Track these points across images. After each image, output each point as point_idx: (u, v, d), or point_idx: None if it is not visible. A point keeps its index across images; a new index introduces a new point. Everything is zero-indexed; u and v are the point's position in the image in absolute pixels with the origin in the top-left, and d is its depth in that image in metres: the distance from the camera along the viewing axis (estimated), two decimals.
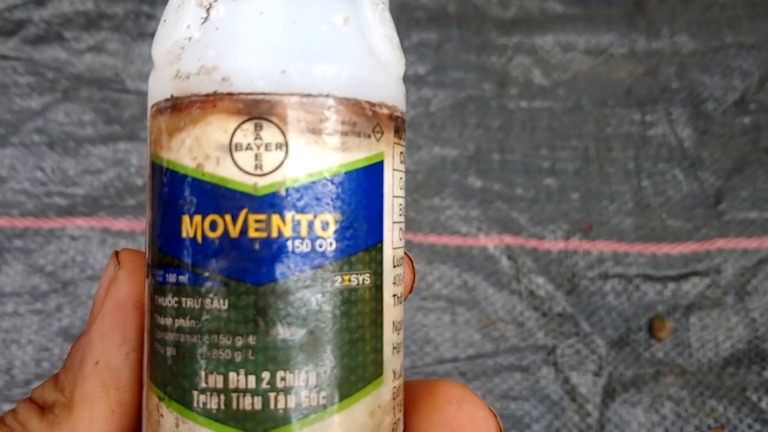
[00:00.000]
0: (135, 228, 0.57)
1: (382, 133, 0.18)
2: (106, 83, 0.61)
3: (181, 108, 0.17)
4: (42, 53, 0.61)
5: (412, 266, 0.21)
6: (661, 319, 0.56)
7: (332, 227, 0.17)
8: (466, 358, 0.55)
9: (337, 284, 0.17)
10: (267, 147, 0.17)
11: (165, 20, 0.19)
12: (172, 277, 0.17)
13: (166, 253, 0.18)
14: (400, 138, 0.19)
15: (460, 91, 0.63)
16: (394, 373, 0.19)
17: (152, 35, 0.63)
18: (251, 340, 0.17)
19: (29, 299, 0.55)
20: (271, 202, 0.17)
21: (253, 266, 0.17)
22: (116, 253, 0.20)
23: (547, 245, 0.58)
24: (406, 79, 0.68)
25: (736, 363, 0.55)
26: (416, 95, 0.63)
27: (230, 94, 0.17)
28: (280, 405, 0.17)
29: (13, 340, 0.54)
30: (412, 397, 0.20)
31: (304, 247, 0.17)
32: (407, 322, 0.56)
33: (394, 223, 0.19)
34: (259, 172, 0.17)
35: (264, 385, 0.17)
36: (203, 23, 0.18)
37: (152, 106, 0.18)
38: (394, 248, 0.19)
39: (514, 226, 0.59)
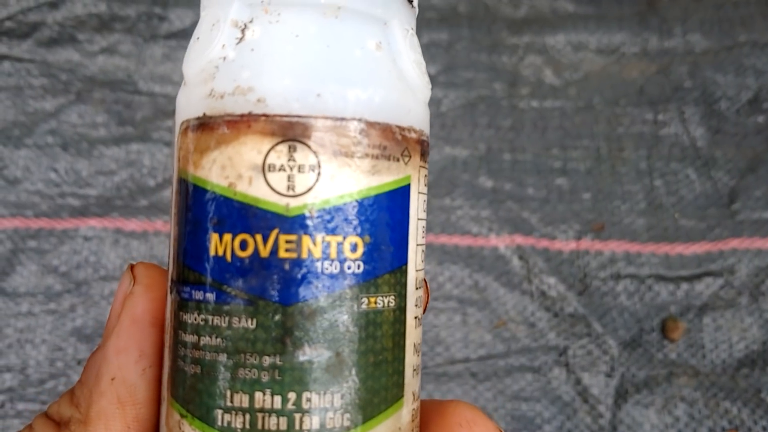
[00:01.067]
0: (147, 228, 0.57)
1: (410, 156, 0.19)
2: (119, 85, 0.62)
3: (214, 127, 0.17)
4: (55, 55, 0.62)
5: (427, 288, 0.21)
6: (674, 320, 0.56)
7: (360, 249, 0.17)
8: (477, 358, 0.55)
9: (364, 306, 0.17)
10: (300, 169, 0.17)
11: (198, 38, 0.19)
12: (198, 294, 0.17)
13: (193, 270, 0.18)
14: (425, 161, 0.20)
15: (471, 91, 0.63)
16: (414, 395, 0.19)
17: (164, 37, 0.63)
18: (278, 360, 0.17)
19: (43, 299, 0.55)
20: (302, 223, 0.17)
21: (282, 286, 0.17)
22: (131, 267, 0.20)
23: (559, 245, 0.58)
24: None
25: (750, 364, 0.54)
26: None
27: (265, 116, 0.17)
28: (306, 426, 0.17)
29: (27, 339, 0.55)
30: (424, 419, 0.20)
31: (333, 269, 0.17)
32: None
33: (417, 245, 0.19)
34: (291, 193, 0.17)
35: (290, 406, 0.17)
36: (238, 43, 0.18)
37: (182, 123, 0.18)
38: (417, 270, 0.19)
39: (525, 226, 0.59)
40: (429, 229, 0.58)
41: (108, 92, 0.61)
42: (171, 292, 0.18)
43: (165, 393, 0.18)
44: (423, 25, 0.65)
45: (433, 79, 0.63)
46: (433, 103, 0.62)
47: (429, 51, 0.64)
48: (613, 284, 0.57)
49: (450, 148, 0.61)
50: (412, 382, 0.19)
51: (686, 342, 0.55)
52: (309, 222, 0.17)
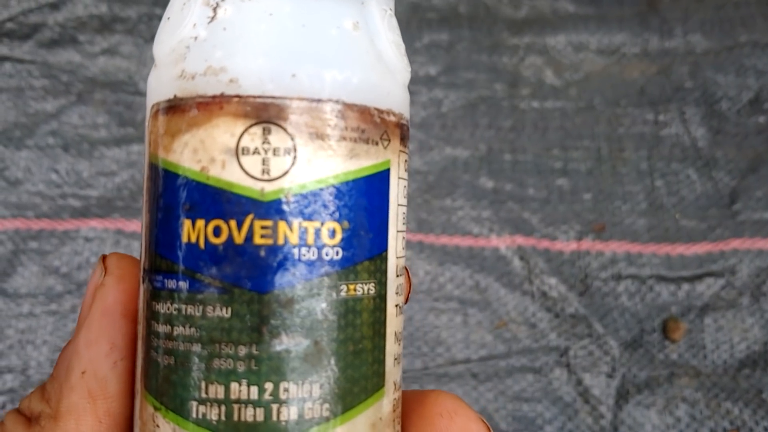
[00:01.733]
0: None
1: (389, 140, 0.18)
2: (120, 86, 0.62)
3: (185, 109, 0.17)
4: (56, 56, 0.62)
5: (409, 276, 0.20)
6: (675, 321, 0.56)
7: (339, 235, 0.17)
8: (478, 359, 0.55)
9: (343, 293, 0.17)
10: (275, 152, 0.16)
11: (168, 18, 0.18)
12: (171, 283, 0.17)
13: (165, 258, 0.17)
14: (405, 146, 0.19)
15: (472, 91, 0.63)
16: (395, 385, 0.18)
17: None
18: (254, 349, 0.16)
19: (44, 300, 0.56)
20: (278, 208, 0.16)
21: (258, 273, 0.16)
22: (103, 258, 0.19)
23: (560, 246, 0.58)
24: (418, 80, 0.68)
25: (751, 365, 0.54)
26: (427, 96, 0.62)
27: (238, 97, 0.16)
28: (283, 417, 0.16)
29: (28, 340, 0.55)
30: (405, 409, 0.20)
31: (311, 255, 0.16)
32: (419, 323, 0.56)
33: (398, 232, 0.18)
34: (266, 177, 0.16)
35: (267, 396, 0.16)
36: (210, 22, 0.17)
37: (152, 106, 0.18)
38: (397, 257, 0.19)
39: (526, 227, 0.59)
40: (430, 229, 0.58)
41: (109, 93, 0.61)
42: (143, 282, 0.18)
43: (138, 386, 0.18)
44: (423, 26, 0.65)
45: (433, 79, 0.63)
46: (434, 103, 0.62)
47: (429, 52, 0.64)
48: (614, 285, 0.57)
49: (451, 148, 0.61)
50: (393, 371, 0.18)
51: (687, 342, 0.55)
52: (285, 207, 0.16)
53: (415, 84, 0.62)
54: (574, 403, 0.54)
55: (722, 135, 0.61)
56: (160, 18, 0.68)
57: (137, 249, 0.57)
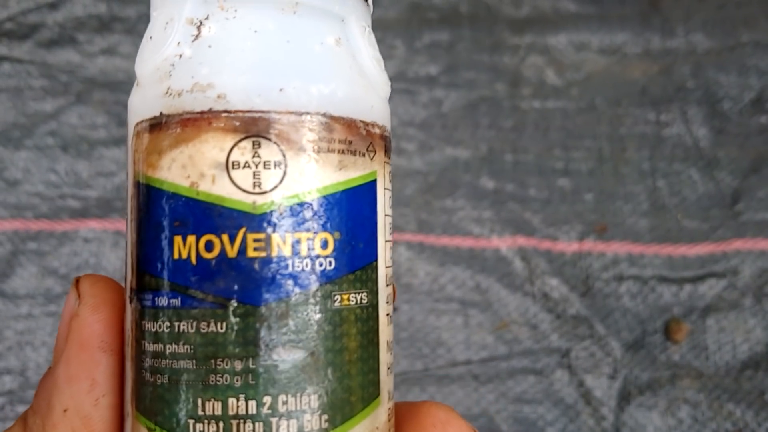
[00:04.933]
0: None
1: (375, 152, 0.18)
2: (119, 86, 0.61)
3: (172, 126, 0.17)
4: (55, 56, 0.62)
5: (394, 285, 0.20)
6: (678, 322, 0.55)
7: (331, 246, 0.17)
8: (479, 360, 0.55)
9: (337, 303, 0.17)
10: (266, 165, 0.16)
11: (150, 37, 0.18)
12: (162, 301, 0.17)
13: (155, 275, 0.17)
14: (389, 157, 0.19)
15: (473, 91, 0.63)
16: (389, 394, 0.19)
17: None
18: (251, 363, 0.16)
19: (43, 301, 0.55)
20: (270, 221, 0.16)
21: (252, 286, 0.16)
22: (76, 282, 0.19)
23: (561, 246, 0.58)
24: (418, 80, 0.68)
25: (754, 366, 0.54)
26: (428, 96, 0.62)
27: (227, 112, 0.17)
28: (283, 430, 0.16)
29: (27, 342, 0.54)
30: (398, 420, 0.20)
31: (305, 266, 0.17)
32: (420, 324, 0.56)
33: (386, 241, 0.19)
34: (257, 190, 0.16)
35: (265, 410, 0.16)
36: (194, 40, 0.17)
37: (136, 125, 0.18)
38: (386, 267, 0.19)
39: (527, 228, 0.58)
40: (430, 230, 0.58)
41: (108, 93, 0.61)
42: (131, 302, 0.18)
43: (129, 408, 0.18)
44: (424, 26, 0.64)
45: (434, 79, 0.63)
46: (434, 103, 0.62)
47: (430, 51, 0.64)
48: (615, 285, 0.57)
49: (451, 148, 0.61)
50: (386, 380, 0.18)
51: (689, 344, 0.55)
52: (277, 219, 0.16)
53: (416, 84, 0.62)
54: (575, 405, 0.54)
55: (724, 135, 0.61)
56: None
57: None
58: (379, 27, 0.63)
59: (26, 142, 0.59)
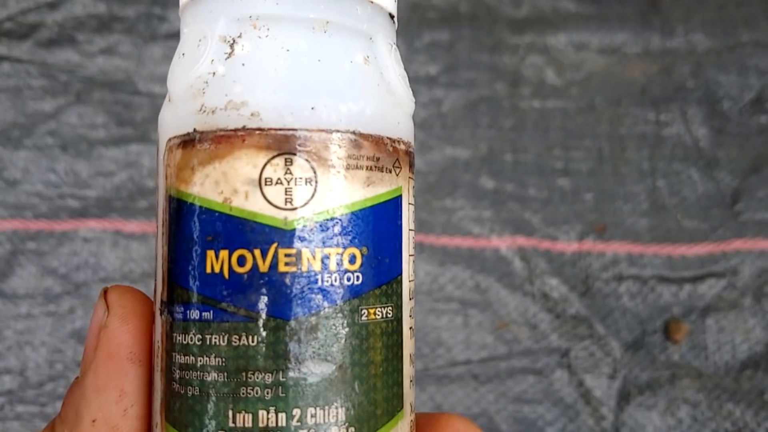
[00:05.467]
0: (147, 230, 0.57)
1: (401, 168, 0.19)
2: (118, 85, 0.61)
3: (206, 142, 0.17)
4: (55, 56, 0.62)
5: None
6: (677, 321, 0.55)
7: (359, 260, 0.17)
8: (478, 360, 0.55)
9: (364, 317, 0.17)
10: (297, 182, 0.17)
11: (183, 54, 0.19)
12: (194, 314, 0.17)
13: (187, 288, 0.17)
14: (413, 173, 0.20)
15: (472, 91, 0.63)
16: (411, 407, 0.19)
17: (164, 37, 0.63)
18: (281, 376, 0.16)
19: (42, 301, 0.55)
20: (301, 236, 0.17)
21: (282, 301, 0.16)
22: (104, 293, 0.19)
23: (561, 246, 0.58)
24: (418, 79, 0.67)
25: (753, 366, 0.54)
26: (428, 96, 0.62)
27: (260, 129, 0.17)
28: None
29: (26, 341, 0.54)
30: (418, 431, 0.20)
31: (334, 281, 0.17)
32: (419, 324, 0.56)
33: (410, 255, 0.19)
34: (289, 206, 0.17)
35: (294, 423, 0.16)
36: (228, 58, 0.18)
37: (168, 140, 0.18)
38: (410, 281, 0.19)
39: (527, 227, 0.58)
40: (430, 230, 0.58)
41: (107, 93, 0.61)
42: (161, 314, 0.18)
43: (158, 419, 0.18)
44: (424, 25, 0.64)
45: (434, 79, 0.63)
46: (434, 103, 0.62)
47: (430, 51, 0.64)
48: (615, 285, 0.57)
49: (451, 148, 0.61)
50: (409, 393, 0.19)
51: (689, 343, 0.55)
52: (307, 235, 0.17)
53: (416, 84, 0.62)
54: (575, 405, 0.54)
55: (724, 135, 0.61)
56: (159, 17, 0.68)
57: (135, 250, 0.57)
58: None
59: (26, 141, 0.59)
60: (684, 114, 0.62)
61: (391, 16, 0.20)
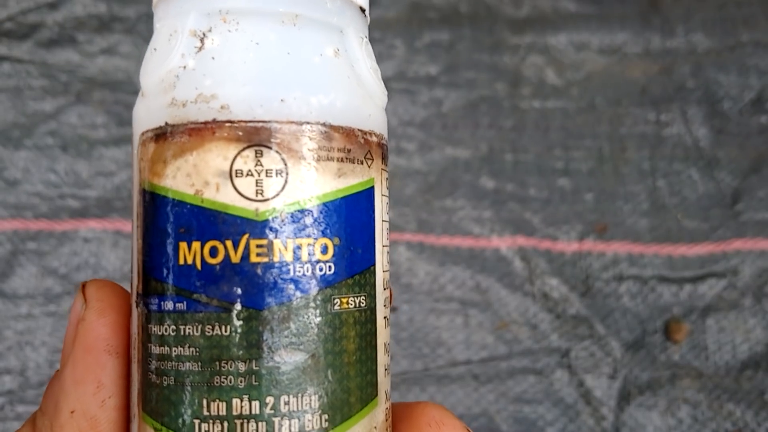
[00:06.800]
0: None
1: (373, 159, 0.19)
2: (119, 86, 0.61)
3: (177, 135, 0.17)
4: (55, 56, 0.62)
5: (390, 289, 0.21)
6: (678, 322, 0.55)
7: (331, 251, 0.18)
8: (479, 360, 0.55)
9: (337, 307, 0.17)
10: (268, 173, 0.17)
11: (155, 49, 0.19)
12: (168, 305, 0.17)
13: (161, 280, 0.17)
14: (386, 165, 0.20)
15: (473, 91, 0.63)
16: (386, 395, 0.19)
17: None
18: (254, 365, 0.17)
19: (43, 301, 0.55)
20: (272, 227, 0.17)
21: (255, 291, 0.17)
22: (83, 287, 0.19)
23: (561, 246, 0.58)
24: (418, 79, 0.67)
25: (753, 366, 0.54)
26: (428, 96, 0.62)
27: (230, 122, 0.17)
28: (284, 429, 0.17)
29: (27, 342, 0.54)
30: (394, 420, 0.20)
31: (305, 271, 0.17)
32: (420, 324, 0.56)
33: (383, 246, 0.19)
34: (260, 197, 0.17)
35: (268, 410, 0.17)
36: (198, 52, 0.18)
37: (141, 134, 0.18)
38: (384, 271, 0.19)
39: (527, 227, 0.58)
40: (430, 230, 0.58)
41: (108, 93, 0.61)
42: (137, 306, 0.18)
43: (135, 409, 0.18)
44: (424, 25, 0.64)
45: (434, 79, 0.63)
46: (434, 103, 0.62)
47: (430, 51, 0.64)
48: (615, 285, 0.57)
49: (451, 148, 0.61)
50: (384, 381, 0.19)
51: (689, 344, 0.55)
52: (279, 226, 0.17)
53: (416, 84, 0.62)
54: (575, 405, 0.54)
55: (724, 135, 0.61)
56: None
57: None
58: (379, 27, 0.63)
59: (26, 141, 0.59)
60: (684, 114, 0.62)
61: (362, 10, 0.20)
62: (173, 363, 0.17)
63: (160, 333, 0.17)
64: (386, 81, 0.62)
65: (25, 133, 0.59)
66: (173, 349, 0.17)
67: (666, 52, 0.64)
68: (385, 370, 0.19)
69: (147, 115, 0.18)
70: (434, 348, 0.55)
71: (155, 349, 0.17)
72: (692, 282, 0.57)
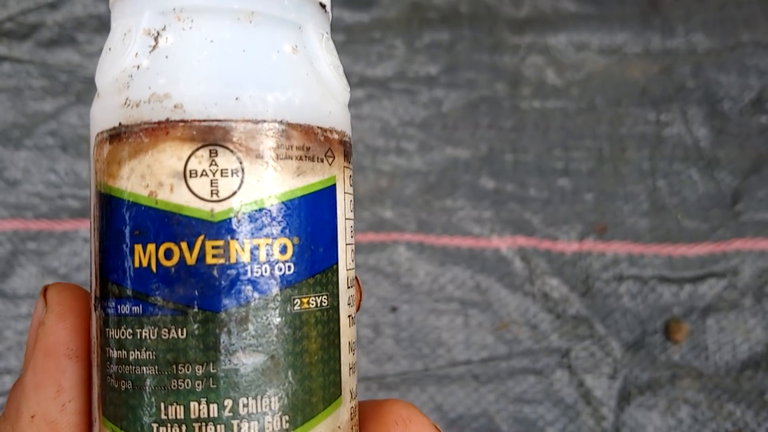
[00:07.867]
0: None
1: (334, 157, 0.19)
2: None
3: (131, 136, 0.17)
4: (55, 56, 0.62)
5: (360, 286, 0.21)
6: (678, 322, 0.55)
7: (290, 251, 0.17)
8: (479, 360, 0.55)
9: (297, 307, 0.17)
10: (223, 173, 0.17)
11: (110, 48, 0.19)
12: (124, 309, 0.17)
13: (117, 283, 0.17)
14: (349, 162, 0.20)
15: (473, 91, 0.63)
16: (351, 394, 0.19)
17: None
18: (211, 368, 0.16)
19: None
20: (228, 228, 0.17)
21: (211, 293, 0.16)
22: (44, 290, 0.19)
23: (561, 246, 0.58)
24: (418, 80, 0.67)
25: (754, 366, 0.54)
26: (428, 96, 0.62)
27: (183, 121, 0.17)
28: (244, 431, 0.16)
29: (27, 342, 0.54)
30: (361, 419, 0.20)
31: (263, 272, 0.17)
32: (420, 324, 0.56)
33: (347, 244, 0.19)
34: (215, 198, 0.17)
35: (227, 413, 0.16)
36: (152, 51, 0.18)
37: (97, 135, 0.18)
38: (347, 269, 0.19)
39: (527, 228, 0.58)
40: (430, 230, 0.58)
41: None
42: (95, 309, 0.18)
43: (96, 413, 0.18)
44: (424, 25, 0.64)
45: (434, 79, 0.63)
46: (435, 103, 0.62)
47: (430, 51, 0.64)
48: (616, 286, 0.57)
49: (451, 148, 0.61)
50: (349, 380, 0.19)
51: (690, 344, 0.55)
52: (235, 226, 0.17)
53: (416, 84, 0.62)
54: (575, 405, 0.54)
55: (724, 135, 0.61)
56: None
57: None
58: (379, 27, 0.63)
59: (26, 141, 0.59)
60: (684, 114, 0.62)
61: (323, 6, 0.20)
62: (131, 367, 0.17)
63: (117, 337, 0.17)
64: (386, 81, 0.62)
65: (25, 133, 0.60)
66: (131, 352, 0.17)
67: (666, 53, 0.64)
68: (350, 369, 0.19)
69: (102, 115, 0.18)
70: (434, 348, 0.55)
71: (113, 353, 0.17)
72: (692, 282, 0.57)
